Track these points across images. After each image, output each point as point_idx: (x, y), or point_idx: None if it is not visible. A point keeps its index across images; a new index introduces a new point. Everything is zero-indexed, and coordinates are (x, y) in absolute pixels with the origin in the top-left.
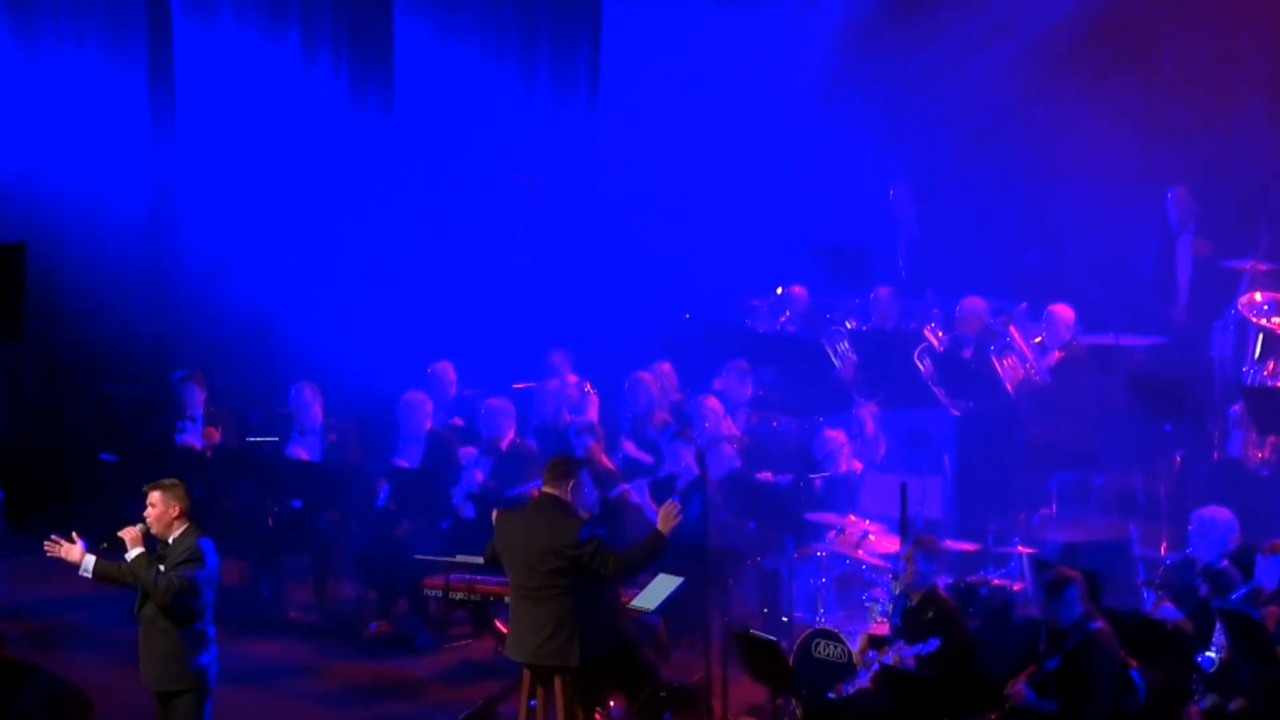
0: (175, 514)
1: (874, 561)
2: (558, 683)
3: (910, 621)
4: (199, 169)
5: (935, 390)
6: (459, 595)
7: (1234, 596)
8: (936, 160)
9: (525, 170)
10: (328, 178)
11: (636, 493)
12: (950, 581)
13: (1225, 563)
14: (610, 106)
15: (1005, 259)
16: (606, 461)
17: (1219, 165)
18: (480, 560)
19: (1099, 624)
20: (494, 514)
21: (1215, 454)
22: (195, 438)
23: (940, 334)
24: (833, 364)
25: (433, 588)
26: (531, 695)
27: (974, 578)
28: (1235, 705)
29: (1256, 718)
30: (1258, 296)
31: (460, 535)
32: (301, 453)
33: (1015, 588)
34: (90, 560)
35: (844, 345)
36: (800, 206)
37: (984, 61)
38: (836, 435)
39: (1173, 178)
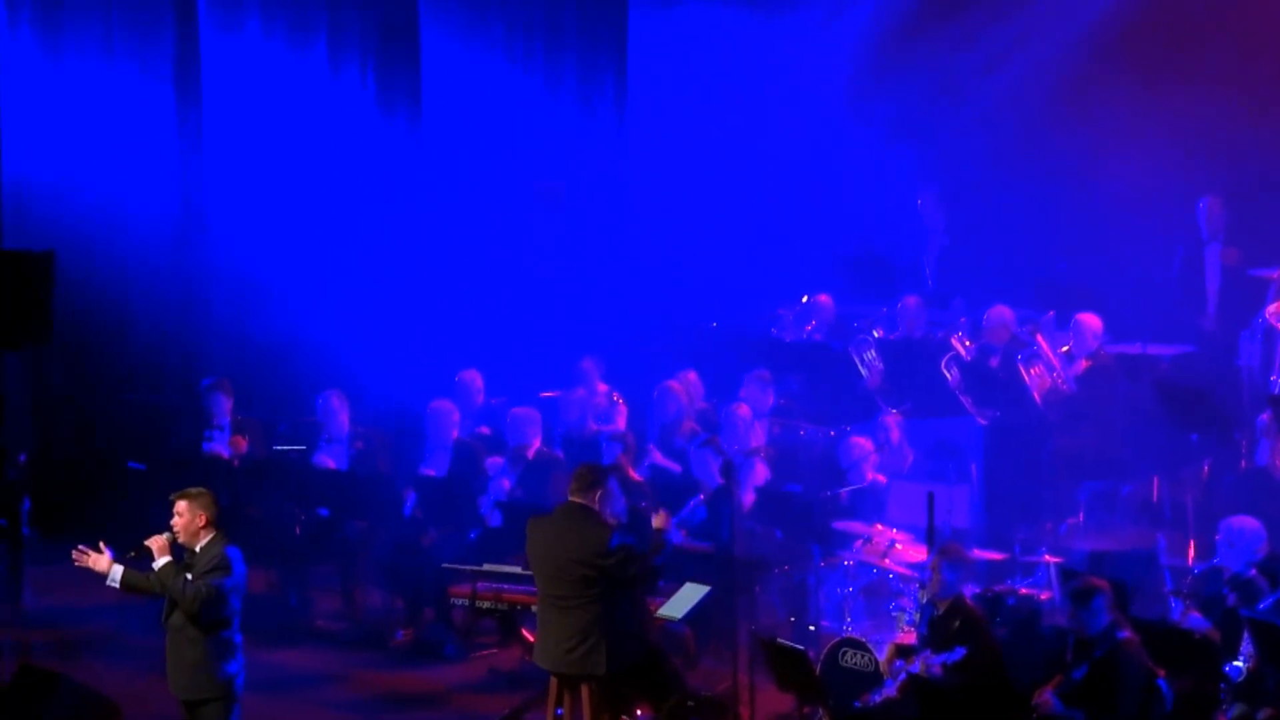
0: (202, 523)
1: (901, 570)
2: (585, 691)
3: (937, 630)
4: (226, 177)
5: (962, 399)
6: (486, 604)
7: (1262, 606)
8: (965, 168)
9: (552, 178)
10: (355, 185)
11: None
12: (977, 590)
13: (1253, 572)
14: (637, 114)
15: (1033, 268)
16: (633, 473)
17: (1250, 174)
18: (506, 569)
19: (1126, 633)
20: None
21: (1243, 463)
22: (222, 446)
23: (967, 343)
24: (859, 373)
25: (459, 596)
26: (558, 704)
27: (1001, 587)
28: (1263, 715)
29: None
30: None
31: (487, 544)
32: (329, 461)
33: (1043, 597)
34: (118, 570)
35: (871, 354)
36: (828, 215)
37: (1013, 70)
38: (863, 443)
39: (1202, 186)
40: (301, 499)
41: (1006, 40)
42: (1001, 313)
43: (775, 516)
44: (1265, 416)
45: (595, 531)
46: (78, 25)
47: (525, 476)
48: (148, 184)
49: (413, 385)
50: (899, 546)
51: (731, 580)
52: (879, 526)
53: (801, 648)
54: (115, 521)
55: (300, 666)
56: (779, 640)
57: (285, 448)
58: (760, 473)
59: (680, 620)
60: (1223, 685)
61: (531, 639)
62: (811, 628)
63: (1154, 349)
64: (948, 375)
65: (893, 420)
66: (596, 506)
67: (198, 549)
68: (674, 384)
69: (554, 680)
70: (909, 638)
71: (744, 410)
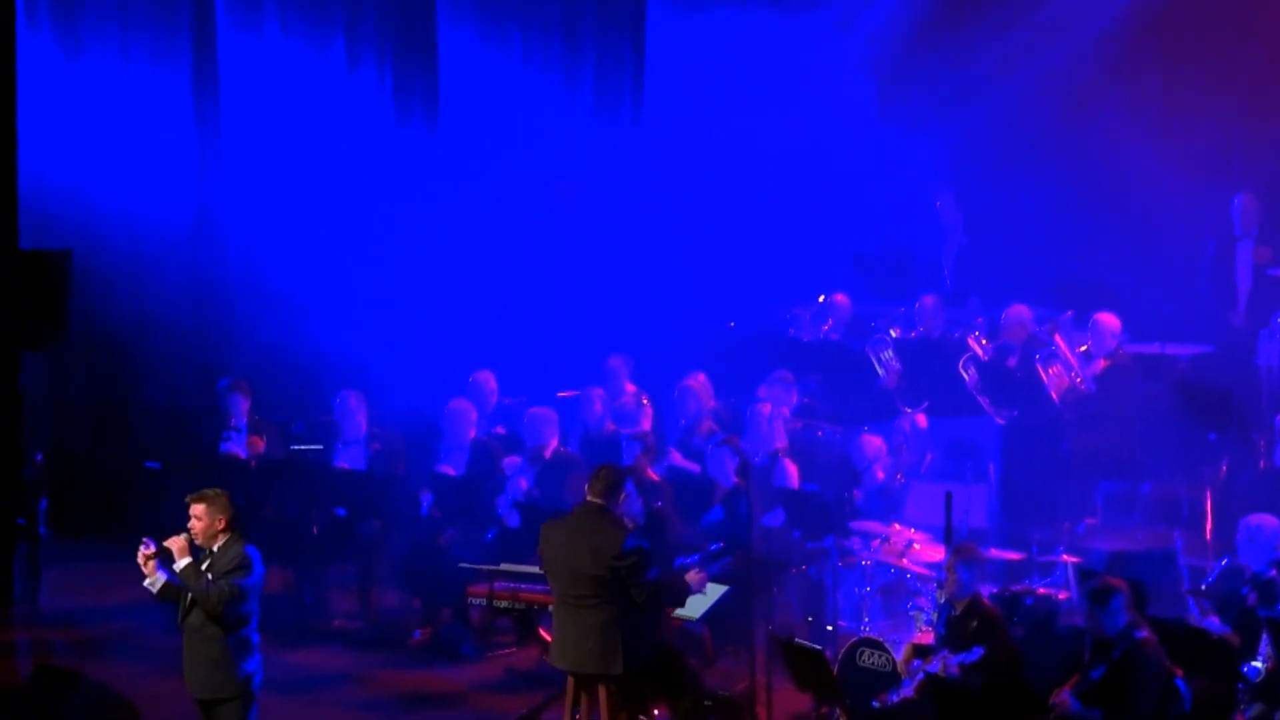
0: (221, 525)
1: (919, 570)
2: (602, 691)
3: (955, 630)
4: (244, 177)
5: (980, 399)
6: (503, 603)
7: None
8: (984, 168)
9: (568, 178)
10: (371, 184)
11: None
12: (995, 590)
13: (1274, 572)
14: (654, 115)
15: (1051, 268)
16: (651, 474)
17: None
18: (524, 569)
19: (1144, 633)
20: None
21: (1261, 463)
22: (240, 447)
23: (985, 342)
24: (877, 373)
25: (477, 596)
26: (576, 704)
27: (1019, 586)
28: None
29: None
30: None
31: (505, 544)
32: (346, 462)
33: (1060, 597)
34: (161, 579)
35: (888, 354)
36: (845, 215)
37: (1034, 68)
38: (875, 441)
39: (1232, 184)
40: (318, 499)
41: (1028, 38)
42: (1019, 312)
43: (794, 516)
44: None
45: (611, 533)
46: (96, 25)
47: (542, 477)
48: (165, 184)
49: (428, 386)
50: (917, 546)
51: (749, 580)
52: (897, 526)
53: (819, 647)
54: (132, 521)
55: (317, 666)
56: (796, 640)
57: (302, 448)
58: (790, 474)
59: (698, 620)
60: (1240, 685)
61: (549, 638)
62: (829, 627)
63: (1172, 349)
64: (965, 375)
65: (909, 421)
66: (614, 508)
67: (215, 549)
68: (693, 383)
69: (571, 680)
70: (926, 637)
71: (766, 409)
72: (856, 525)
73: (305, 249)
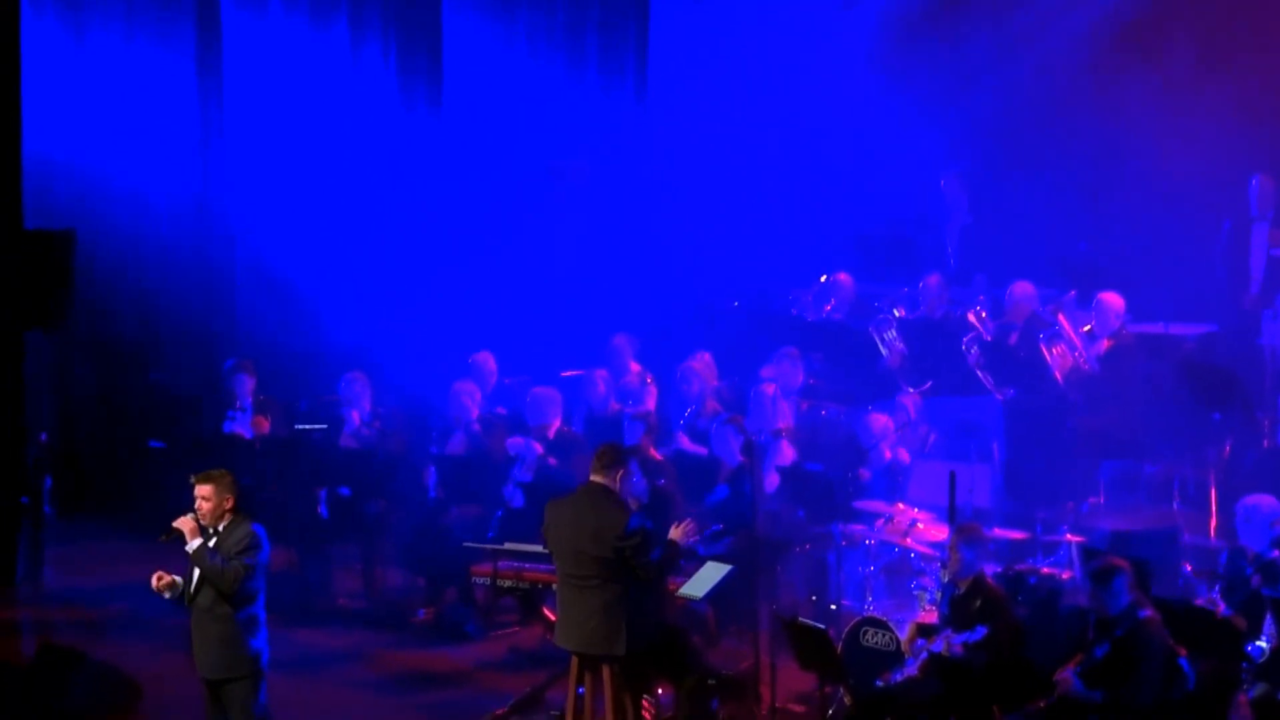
0: (229, 505)
1: (922, 550)
2: (606, 671)
3: (958, 609)
4: (247, 157)
5: (981, 376)
6: (507, 583)
7: None
8: (989, 148)
9: (572, 158)
10: (374, 164)
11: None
12: (999, 570)
13: (1276, 552)
14: (658, 94)
15: (1056, 247)
16: (654, 453)
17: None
18: (528, 548)
19: (1147, 612)
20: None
21: (1265, 442)
22: (245, 426)
23: (984, 315)
24: (880, 352)
25: (480, 575)
26: (579, 683)
27: (1022, 566)
28: None
29: None
30: None
31: (509, 524)
32: (350, 441)
33: (1064, 576)
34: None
35: (891, 334)
36: (849, 194)
37: (1040, 47)
38: (882, 419)
39: (1235, 164)
40: (323, 478)
41: (1034, 16)
42: (1024, 289)
43: (797, 495)
44: None
45: (614, 513)
46: (99, 4)
47: (546, 457)
48: (170, 164)
49: (430, 367)
50: (920, 526)
51: (753, 559)
52: (900, 506)
53: (823, 627)
54: (136, 501)
55: (321, 645)
56: (800, 619)
57: (307, 427)
58: (786, 453)
59: (701, 599)
60: (1244, 665)
61: (553, 618)
62: (833, 607)
63: (1176, 329)
64: (968, 353)
65: (910, 401)
66: (616, 487)
67: (221, 529)
68: (695, 364)
69: (575, 660)
70: (930, 617)
71: (770, 389)
72: (860, 505)
73: (308, 229)
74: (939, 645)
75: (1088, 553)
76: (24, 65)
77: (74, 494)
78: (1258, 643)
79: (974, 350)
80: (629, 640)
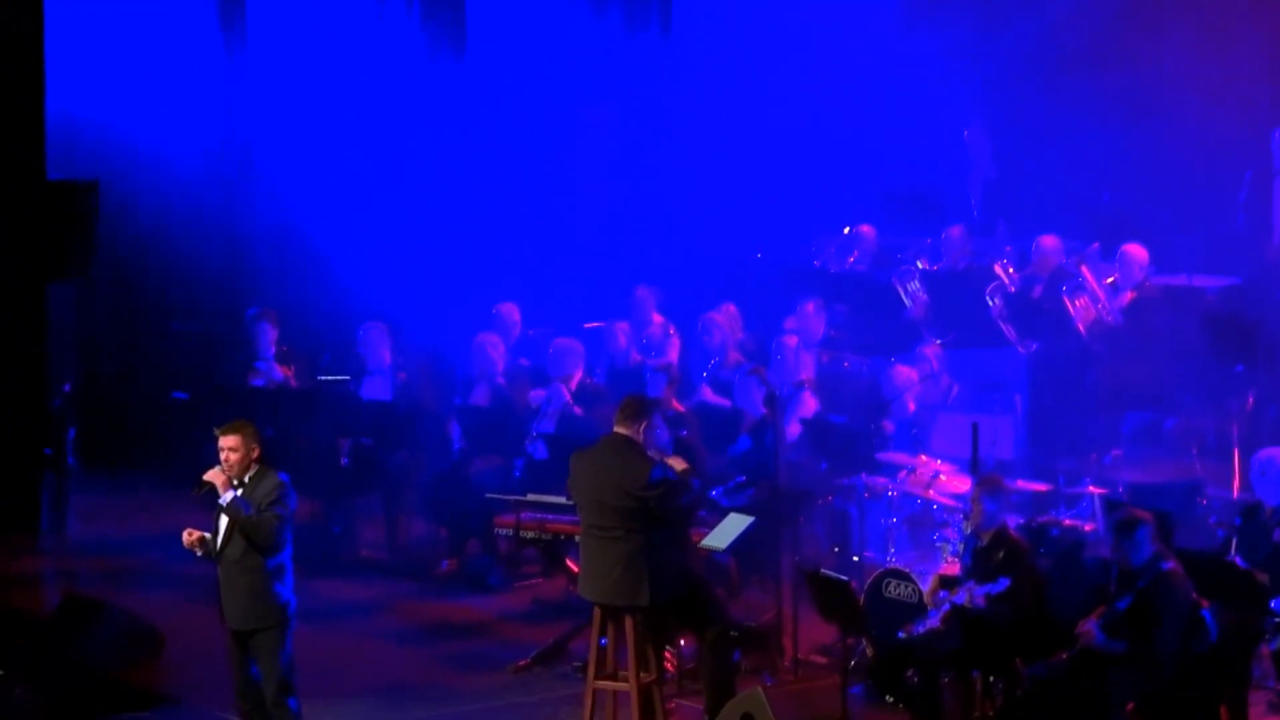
0: (255, 455)
1: (945, 501)
2: (628, 622)
3: (981, 561)
4: (271, 108)
5: (1003, 327)
6: (530, 534)
7: None
8: (1012, 99)
9: (597, 106)
10: (399, 115)
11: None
12: (1021, 522)
13: None
14: (682, 43)
15: (1079, 199)
16: (677, 404)
17: None
18: (551, 499)
19: (1170, 564)
20: None
21: None
22: (267, 377)
23: (1011, 271)
24: (903, 304)
25: (504, 526)
26: (602, 634)
27: (1045, 518)
28: None
29: None
30: None
31: (532, 475)
32: (373, 392)
33: (1086, 528)
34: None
35: (914, 285)
36: (874, 146)
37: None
38: (907, 371)
39: (1260, 116)
40: (346, 429)
41: None
42: (1050, 242)
43: (820, 447)
44: None
45: (637, 464)
46: None
47: (569, 408)
48: (193, 116)
49: (454, 317)
50: (943, 477)
51: (775, 511)
52: (923, 457)
53: (845, 578)
54: (159, 452)
55: (344, 596)
56: (823, 571)
57: (329, 378)
58: (808, 404)
59: (724, 551)
60: (1267, 618)
61: (576, 569)
62: (855, 558)
63: (1199, 281)
64: (991, 303)
65: (931, 351)
66: (640, 438)
67: (247, 480)
68: (717, 315)
69: (598, 611)
70: (953, 569)
71: (792, 341)
72: (883, 457)
73: (332, 179)
74: (961, 597)
75: (1110, 505)
76: (47, 16)
77: (97, 445)
78: None
79: (997, 300)
80: (652, 592)
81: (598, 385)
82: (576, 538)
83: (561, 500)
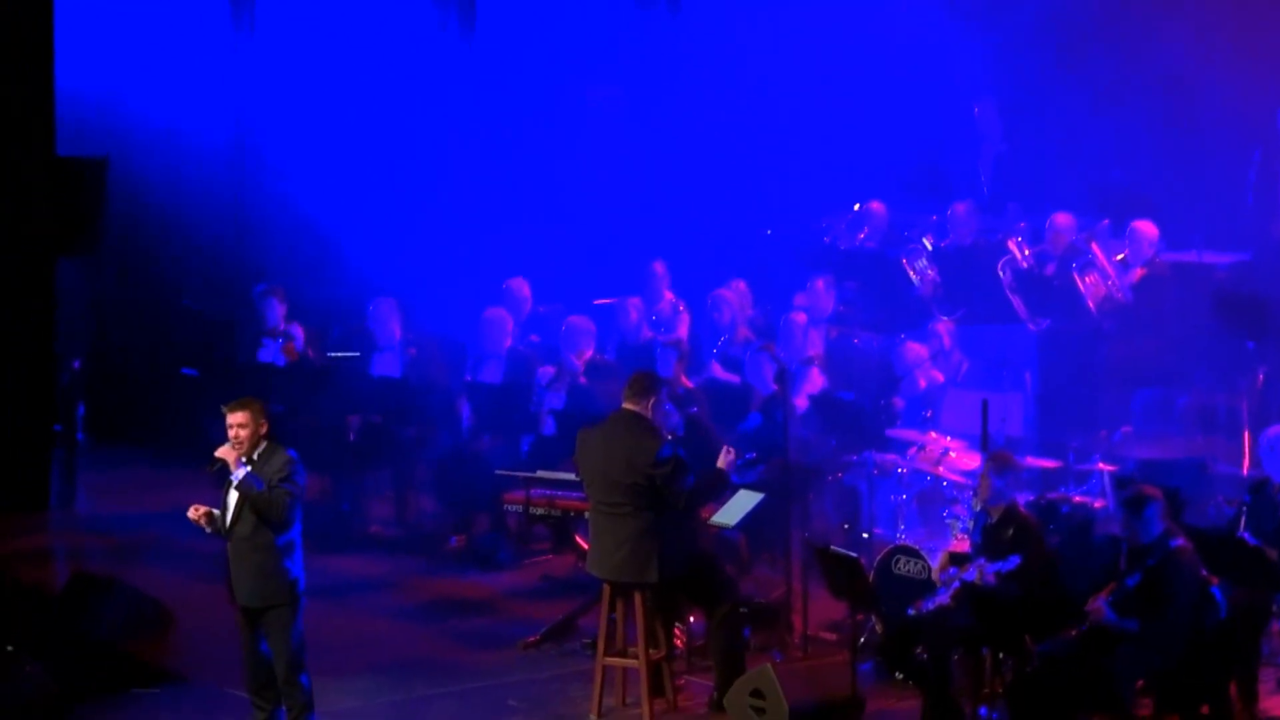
0: (264, 430)
1: (955, 478)
2: (638, 598)
3: (991, 538)
4: (280, 84)
5: (1013, 300)
6: (539, 511)
7: None
8: (1022, 75)
9: (605, 82)
10: (409, 91)
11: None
12: (1031, 498)
13: None
14: (691, 19)
15: (1089, 176)
16: (686, 380)
17: None
18: (560, 475)
19: (1179, 542)
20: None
21: None
22: (276, 353)
23: (1026, 250)
24: (912, 280)
25: (513, 503)
26: (611, 610)
27: (1055, 495)
28: None
29: None
30: None
31: (541, 451)
32: (382, 368)
33: (1096, 505)
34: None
35: (923, 262)
36: (885, 122)
37: None
38: (917, 349)
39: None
40: (355, 405)
41: None
42: (1064, 220)
43: (829, 423)
44: None
45: (647, 441)
46: None
47: (579, 385)
48: (202, 92)
49: (464, 293)
50: (953, 454)
51: (785, 487)
52: (933, 434)
53: (855, 555)
54: (168, 428)
55: (353, 572)
56: (832, 548)
57: (338, 354)
58: (815, 380)
59: (733, 527)
60: (1277, 596)
61: (585, 546)
62: (865, 535)
63: (1210, 257)
64: (1001, 275)
65: (944, 328)
66: (649, 414)
67: (256, 456)
68: (726, 292)
69: (607, 587)
70: (962, 545)
71: (800, 318)
72: (893, 433)
73: (342, 155)
74: (971, 574)
75: (1120, 481)
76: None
77: (106, 421)
78: None
79: (1007, 274)
80: (661, 568)
81: (608, 361)
82: (586, 514)
83: (571, 477)
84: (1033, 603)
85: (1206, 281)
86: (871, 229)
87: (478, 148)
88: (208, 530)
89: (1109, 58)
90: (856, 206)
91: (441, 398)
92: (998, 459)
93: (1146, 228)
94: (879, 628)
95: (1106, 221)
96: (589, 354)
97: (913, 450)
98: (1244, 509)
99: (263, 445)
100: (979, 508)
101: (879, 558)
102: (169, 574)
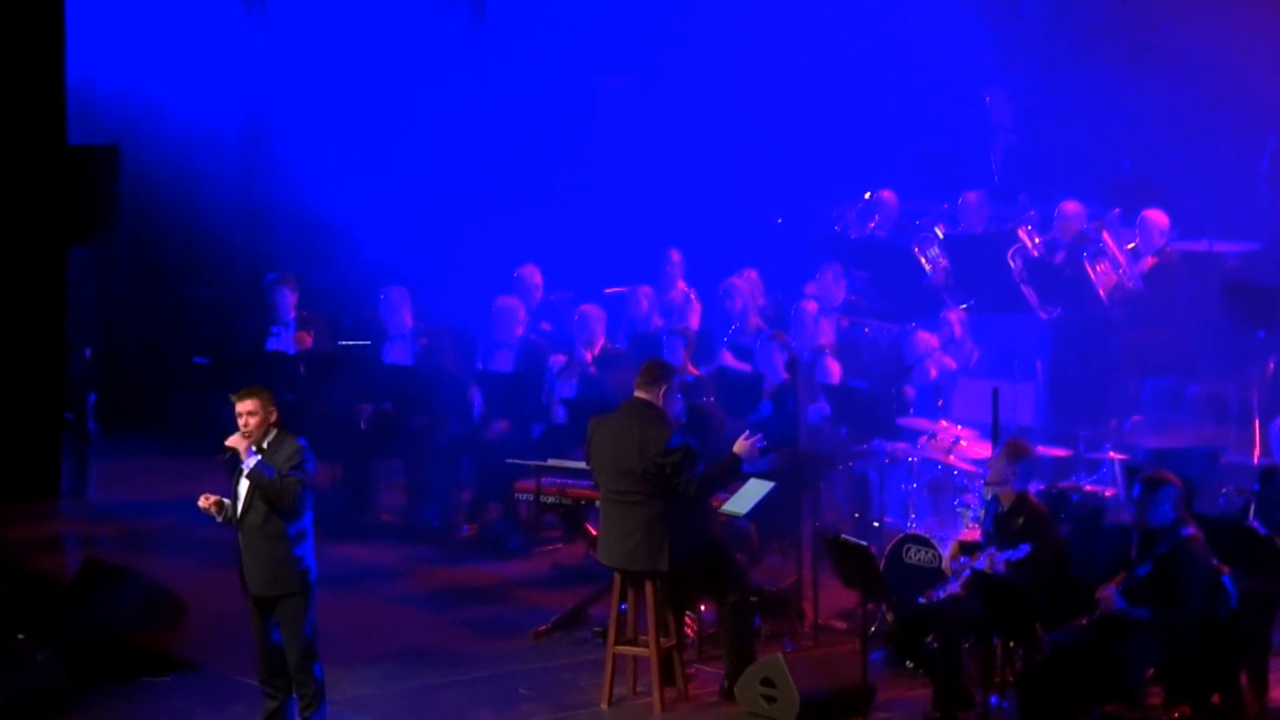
0: (274, 418)
1: (965, 467)
2: (648, 587)
3: (1001, 527)
4: (291, 73)
5: (1024, 289)
6: (550, 499)
7: None
8: (1035, 62)
9: (616, 73)
10: (420, 78)
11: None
12: (1042, 487)
13: None
14: (701, 8)
15: (1100, 165)
16: (692, 368)
17: None
18: (571, 464)
19: (1190, 530)
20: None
21: None
22: (287, 342)
23: (1036, 240)
24: (924, 269)
25: (524, 491)
26: (622, 599)
27: (1066, 483)
28: None
29: None
30: None
31: (552, 440)
32: (394, 356)
33: (1107, 494)
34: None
35: (934, 251)
36: (896, 111)
37: None
38: (928, 338)
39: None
40: (366, 394)
41: None
42: (1073, 208)
43: (840, 412)
44: None
45: (657, 429)
46: None
47: (590, 373)
48: (213, 81)
49: (475, 282)
50: (963, 443)
51: (796, 476)
52: (944, 423)
53: (865, 544)
54: (180, 416)
55: (364, 561)
56: (843, 536)
57: (350, 343)
58: (831, 370)
59: (744, 516)
60: None
61: (596, 534)
62: (875, 524)
63: (1220, 246)
64: (1012, 264)
65: (955, 317)
66: (660, 403)
67: (266, 445)
68: (738, 280)
69: (617, 576)
70: (973, 534)
71: (811, 307)
72: (904, 422)
73: (353, 143)
74: (982, 563)
75: (1130, 470)
76: None
77: (118, 410)
78: None
79: (1018, 262)
80: (672, 557)
81: (619, 350)
82: (597, 503)
83: (581, 465)
84: (1043, 591)
85: (1217, 271)
86: (882, 218)
87: (489, 136)
88: (218, 519)
89: (1119, 48)
90: (867, 195)
91: (453, 386)
92: (1014, 446)
93: (1157, 216)
94: (889, 616)
95: (1117, 210)
96: (600, 343)
97: (924, 439)
98: (1254, 498)
99: (273, 433)
100: (990, 496)
101: (890, 546)
102: (180, 562)
